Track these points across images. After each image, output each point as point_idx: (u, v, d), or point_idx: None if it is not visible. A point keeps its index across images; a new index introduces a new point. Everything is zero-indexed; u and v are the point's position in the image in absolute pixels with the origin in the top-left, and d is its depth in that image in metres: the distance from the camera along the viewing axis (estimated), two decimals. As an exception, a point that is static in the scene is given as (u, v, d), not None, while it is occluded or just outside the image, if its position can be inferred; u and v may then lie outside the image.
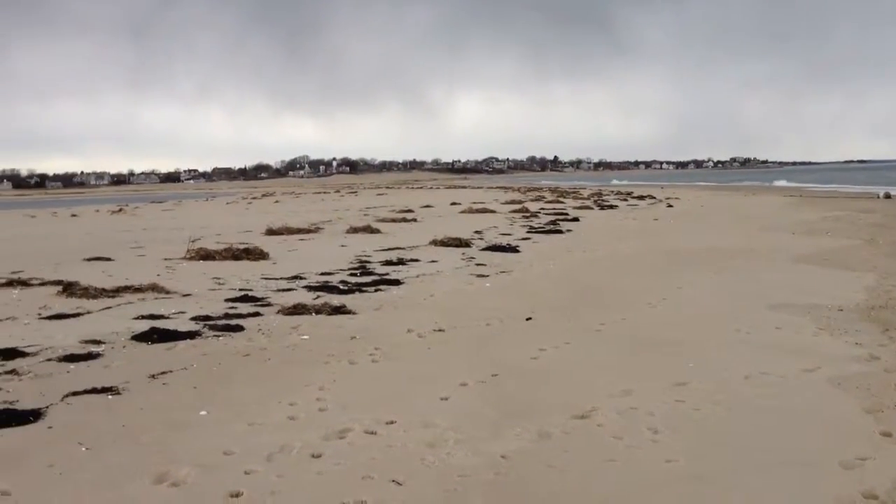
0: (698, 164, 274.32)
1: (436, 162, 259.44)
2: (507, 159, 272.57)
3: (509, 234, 22.16)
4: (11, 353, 7.97)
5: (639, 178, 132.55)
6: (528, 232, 22.91)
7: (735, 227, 23.72)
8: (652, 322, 9.42)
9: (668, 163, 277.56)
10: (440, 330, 9.06)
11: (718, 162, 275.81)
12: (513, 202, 41.71)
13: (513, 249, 17.84)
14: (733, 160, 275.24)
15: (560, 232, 22.98)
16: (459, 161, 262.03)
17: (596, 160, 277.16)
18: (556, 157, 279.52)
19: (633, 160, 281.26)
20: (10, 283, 12.92)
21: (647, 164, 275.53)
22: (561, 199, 44.51)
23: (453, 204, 42.20)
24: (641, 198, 44.96)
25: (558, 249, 18.05)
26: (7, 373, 7.28)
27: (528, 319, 9.61)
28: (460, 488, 4.58)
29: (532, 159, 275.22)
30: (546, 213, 31.61)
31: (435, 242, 18.93)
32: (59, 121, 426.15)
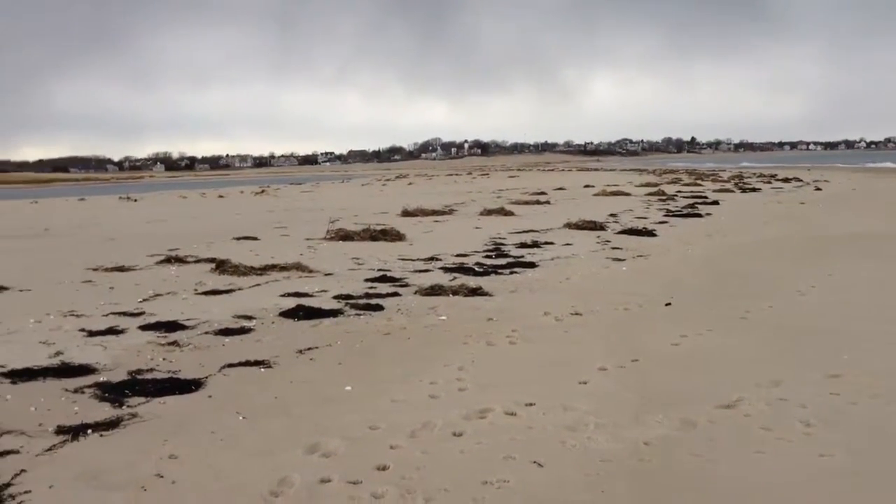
0: (849, 144, 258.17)
1: (568, 144, 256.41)
2: (642, 141, 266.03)
3: (645, 218, 21.69)
4: (173, 326, 8.54)
5: (783, 160, 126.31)
6: (665, 215, 22.34)
7: (891, 213, 22.27)
8: (801, 311, 9.01)
9: (815, 143, 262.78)
10: (577, 313, 9.01)
11: (871, 143, 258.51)
12: (648, 185, 40.71)
13: (649, 233, 17.46)
14: (888, 140, 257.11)
15: (699, 216, 22.28)
16: (592, 143, 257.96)
17: (736, 141, 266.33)
18: (693, 138, 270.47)
19: (776, 141, 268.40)
20: (169, 260, 13.80)
21: (793, 146, 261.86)
22: (699, 182, 43.09)
23: (586, 186, 41.64)
24: (786, 180, 42.81)
25: (697, 234, 17.52)
26: (170, 344, 7.81)
27: (667, 305, 9.41)
28: (602, 473, 4.57)
29: (668, 141, 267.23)
30: (683, 196, 30.67)
31: (569, 225, 18.78)
32: (209, 106, 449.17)
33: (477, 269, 12.58)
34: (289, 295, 10.33)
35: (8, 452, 4.95)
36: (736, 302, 9.49)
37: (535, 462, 4.72)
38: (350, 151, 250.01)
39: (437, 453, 4.90)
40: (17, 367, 6.91)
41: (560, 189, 39.83)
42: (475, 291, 10.33)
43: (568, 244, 15.66)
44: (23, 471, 4.66)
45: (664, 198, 30.00)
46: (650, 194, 31.91)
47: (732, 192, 34.20)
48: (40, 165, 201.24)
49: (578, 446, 4.97)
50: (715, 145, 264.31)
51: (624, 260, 13.38)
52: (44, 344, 7.83)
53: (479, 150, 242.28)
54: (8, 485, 4.45)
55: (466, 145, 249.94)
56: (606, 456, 4.81)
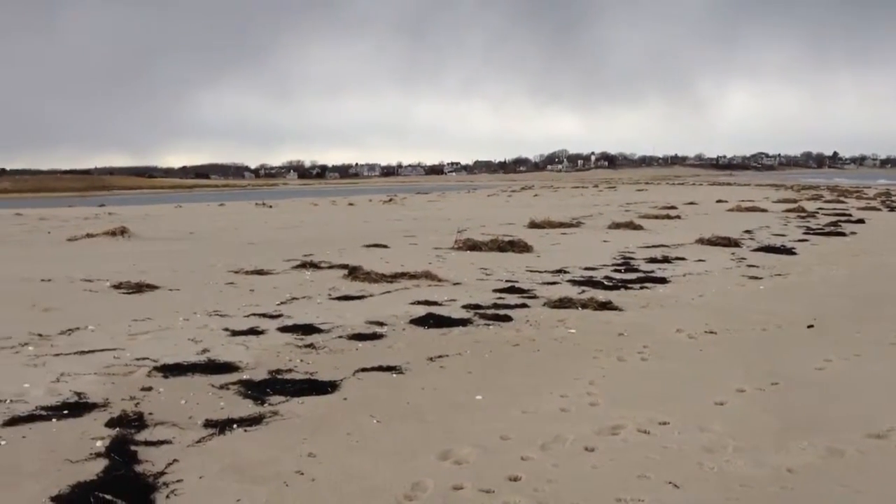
0: None
1: (698, 157, 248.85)
2: (778, 155, 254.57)
3: (783, 235, 20.81)
4: (309, 329, 8.85)
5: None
6: (805, 233, 21.35)
7: None
8: (959, 338, 8.41)
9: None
10: (712, 332, 8.74)
11: None
12: (785, 201, 39.04)
13: (788, 251, 16.73)
14: None
15: (842, 234, 21.16)
16: (724, 156, 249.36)
17: (883, 156, 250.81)
18: (835, 152, 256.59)
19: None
20: (304, 266, 14.33)
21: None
22: (842, 199, 40.95)
23: (719, 201, 40.33)
24: (939, 198, 40.06)
25: (841, 253, 16.64)
26: (307, 346, 8.10)
27: (809, 327, 8.99)
28: (743, 498, 4.41)
29: (807, 155, 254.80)
30: (825, 214, 29.23)
31: (701, 241, 18.24)
32: (341, 116, 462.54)
33: (606, 282, 12.41)
34: (418, 303, 10.50)
35: (162, 442, 5.27)
36: (886, 326, 8.96)
37: (670, 483, 4.61)
38: (476, 162, 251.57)
39: (569, 467, 4.87)
40: (168, 361, 7.35)
41: (691, 203, 38.74)
42: (605, 305, 10.20)
43: (700, 260, 15.21)
44: (175, 460, 4.94)
45: (804, 215, 28.68)
46: (788, 211, 30.55)
47: (879, 210, 32.30)
48: (184, 172, 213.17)
49: (717, 469, 4.82)
50: (859, 160, 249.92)
51: (761, 278, 12.87)
52: (192, 341, 8.29)
53: (606, 163, 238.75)
54: (162, 473, 4.74)
55: (593, 157, 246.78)
56: (747, 481, 4.64)
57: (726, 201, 39.42)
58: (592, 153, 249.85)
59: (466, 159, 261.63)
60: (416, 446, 5.24)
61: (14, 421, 5.69)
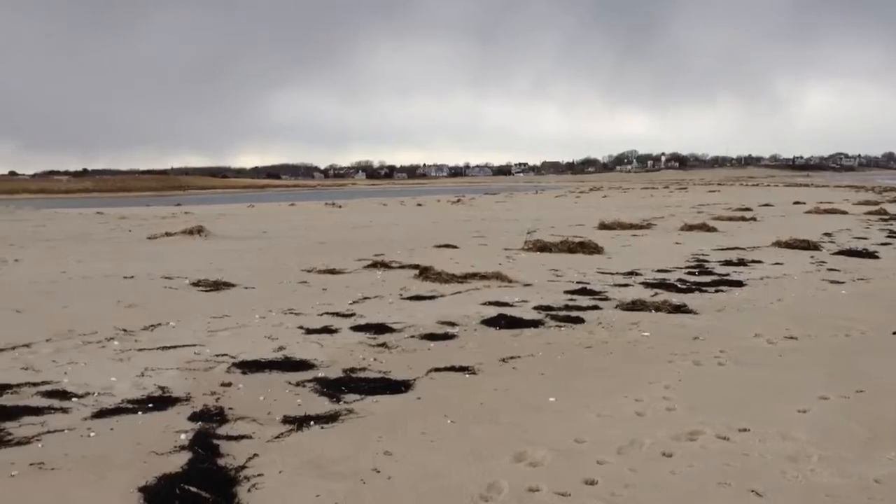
0: None
1: (774, 158, 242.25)
2: (858, 155, 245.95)
3: (865, 238, 20.14)
4: (382, 329, 8.94)
5: None
6: (889, 236, 20.64)
7: None
8: None
9: None
10: (792, 337, 8.51)
11: None
12: (867, 203, 37.77)
13: (871, 255, 16.18)
14: None
15: (928, 237, 20.36)
16: (801, 157, 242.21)
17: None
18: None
19: None
20: (375, 265, 14.48)
21: None
22: (927, 200, 39.38)
23: (796, 203, 39.26)
24: None
25: (927, 257, 16.01)
26: (379, 345, 8.18)
27: (894, 333, 8.67)
28: (828, 509, 4.29)
29: (888, 156, 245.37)
30: (909, 216, 28.17)
31: (778, 244, 17.78)
32: (410, 117, 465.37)
33: (679, 285, 12.21)
34: (489, 304, 10.51)
35: (242, 437, 5.39)
36: (978, 334, 8.59)
37: (753, 491, 4.51)
38: (543, 162, 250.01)
39: (646, 472, 4.80)
40: (246, 358, 7.52)
41: (766, 205, 37.80)
42: (679, 309, 10.03)
43: (778, 263, 14.83)
44: (255, 455, 5.05)
45: (886, 217, 27.72)
46: (869, 213, 29.57)
47: (968, 212, 30.96)
48: (256, 172, 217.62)
49: (801, 478, 4.69)
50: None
51: (843, 283, 12.47)
52: (268, 338, 8.46)
53: (677, 164, 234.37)
54: (243, 467, 4.85)
55: (663, 158, 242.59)
56: (832, 491, 4.50)
57: (804, 203, 38.33)
58: (663, 154, 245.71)
59: (534, 160, 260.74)
60: (490, 447, 5.24)
61: (102, 413, 5.90)
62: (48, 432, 5.48)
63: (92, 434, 5.46)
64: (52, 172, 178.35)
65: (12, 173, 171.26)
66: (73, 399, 6.25)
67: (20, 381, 6.72)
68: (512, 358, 7.66)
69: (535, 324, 9.21)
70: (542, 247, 17.19)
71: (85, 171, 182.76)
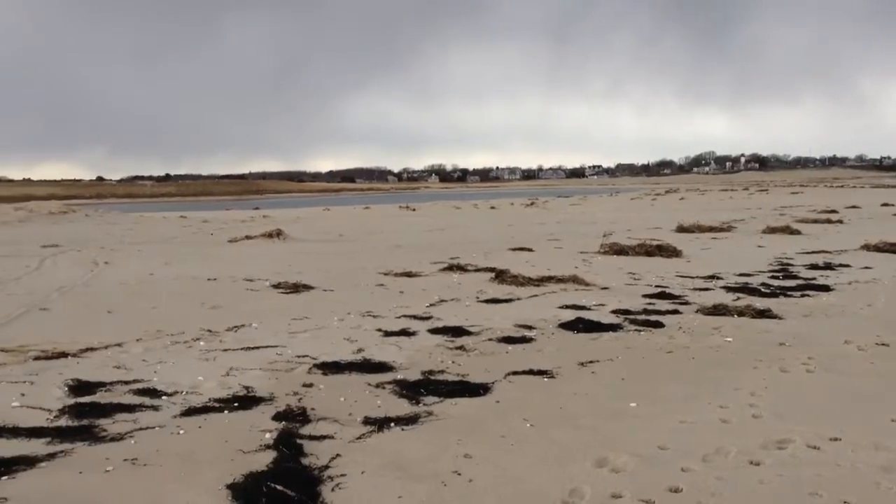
0: None
1: (860, 158, 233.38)
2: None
3: (961, 241, 19.21)
4: (459, 331, 8.97)
5: None
6: None
7: None
8: None
9: None
10: (883, 344, 8.19)
11: None
12: (962, 203, 36.08)
13: (967, 258, 15.45)
14: None
15: None
16: (889, 157, 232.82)
17: None
18: None
19: None
20: (451, 268, 14.54)
21: None
22: None
23: (884, 205, 37.78)
24: None
25: None
26: (457, 348, 8.21)
27: None
28: (929, 524, 4.11)
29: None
30: None
31: (867, 247, 17.15)
32: (483, 119, 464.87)
33: (763, 289, 11.88)
34: (567, 307, 10.43)
35: (325, 437, 5.48)
36: None
37: (845, 502, 4.36)
38: (618, 165, 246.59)
39: (733, 481, 4.69)
40: (327, 359, 7.64)
41: (853, 207, 36.49)
42: (763, 313, 9.76)
43: (867, 268, 14.30)
44: (338, 455, 5.13)
45: (983, 218, 26.43)
46: (965, 214, 28.27)
47: None
48: (331, 176, 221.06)
49: (895, 490, 4.52)
50: None
51: (938, 287, 11.95)
52: (347, 340, 8.58)
53: (757, 165, 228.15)
54: (326, 466, 4.93)
55: (743, 159, 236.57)
56: (932, 505, 4.32)
57: (893, 205, 36.87)
58: (742, 155, 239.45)
59: (608, 162, 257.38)
60: (571, 452, 5.20)
61: (190, 412, 6.08)
62: (140, 429, 5.68)
63: (181, 432, 5.63)
64: (137, 177, 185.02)
65: (100, 178, 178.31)
66: (163, 397, 6.46)
67: (113, 380, 6.98)
68: (591, 362, 7.59)
69: (613, 328, 9.10)
70: (619, 250, 16.98)
71: (168, 176, 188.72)
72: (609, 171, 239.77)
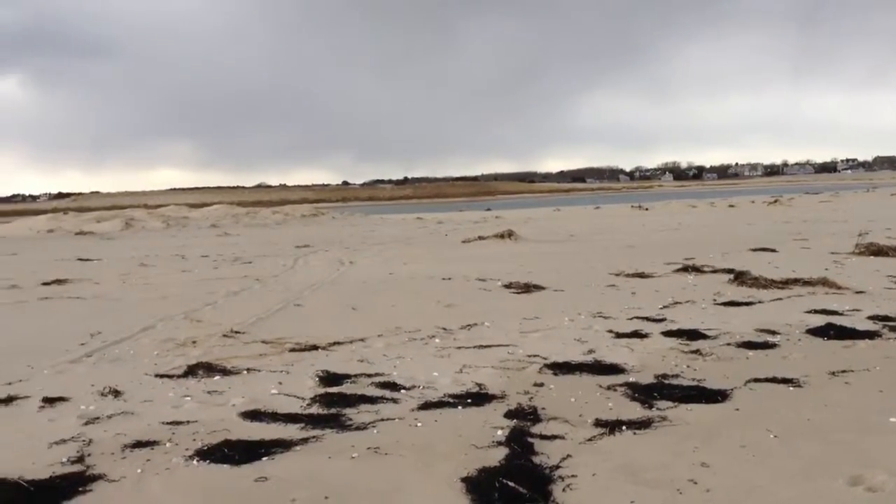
0: None
1: None
2: None
3: None
4: (694, 335, 8.63)
5: None
6: None
7: None
8: None
9: None
10: None
11: None
12: None
13: None
14: None
15: None
16: None
17: None
18: None
19: None
20: (686, 269, 14.03)
21: None
22: None
23: None
24: None
25: None
26: (692, 352, 7.90)
27: None
28: None
29: None
30: None
31: None
32: (720, 114, 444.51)
33: None
34: (815, 311, 9.69)
35: (555, 437, 5.49)
36: None
37: None
38: (876, 158, 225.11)
39: None
40: (557, 360, 7.66)
41: None
42: None
43: None
44: (568, 455, 5.12)
45: None
46: None
47: None
48: (561, 176, 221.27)
49: None
50: None
51: None
52: (577, 341, 8.55)
53: None
54: (557, 466, 4.94)
55: None
56: None
57: None
58: None
59: (864, 155, 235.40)
60: (820, 467, 4.82)
61: (427, 406, 6.34)
62: (381, 420, 6.01)
63: (419, 424, 5.89)
64: (378, 181, 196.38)
65: (345, 183, 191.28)
66: (402, 391, 6.80)
67: (357, 372, 7.46)
68: (843, 371, 6.99)
69: (870, 335, 8.32)
70: (877, 250, 15.49)
71: (405, 180, 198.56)
72: (865, 165, 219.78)
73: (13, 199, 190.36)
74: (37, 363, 8.24)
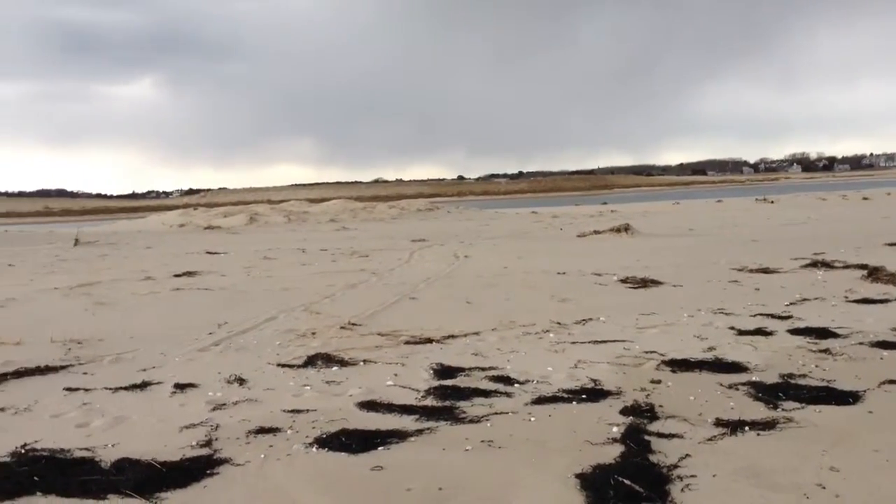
0: None
1: None
2: None
3: None
4: (823, 333, 8.23)
5: None
6: None
7: None
8: None
9: None
10: None
11: None
12: None
13: None
14: None
15: None
16: None
17: None
18: None
19: None
20: (814, 265, 13.40)
21: None
22: None
23: None
24: None
25: None
26: (821, 351, 7.53)
27: None
28: None
29: None
30: None
31: None
32: (853, 102, 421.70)
33: None
34: (959, 310, 9.06)
35: (673, 435, 5.34)
36: None
37: None
38: None
39: None
40: (675, 356, 7.45)
41: None
42: None
43: None
44: (687, 455, 4.97)
45: None
46: None
47: None
48: (681, 169, 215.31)
49: None
50: None
51: None
52: (697, 338, 8.30)
53: None
54: (675, 466, 4.80)
55: None
56: None
57: None
58: None
59: None
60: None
61: (540, 400, 6.30)
62: (495, 413, 6.01)
63: (532, 419, 5.85)
64: (492, 175, 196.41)
65: (460, 177, 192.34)
66: (516, 385, 6.77)
67: (471, 366, 7.49)
68: None
69: None
70: None
71: (520, 174, 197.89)
72: None
73: (148, 195, 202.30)
74: (169, 351, 8.68)
